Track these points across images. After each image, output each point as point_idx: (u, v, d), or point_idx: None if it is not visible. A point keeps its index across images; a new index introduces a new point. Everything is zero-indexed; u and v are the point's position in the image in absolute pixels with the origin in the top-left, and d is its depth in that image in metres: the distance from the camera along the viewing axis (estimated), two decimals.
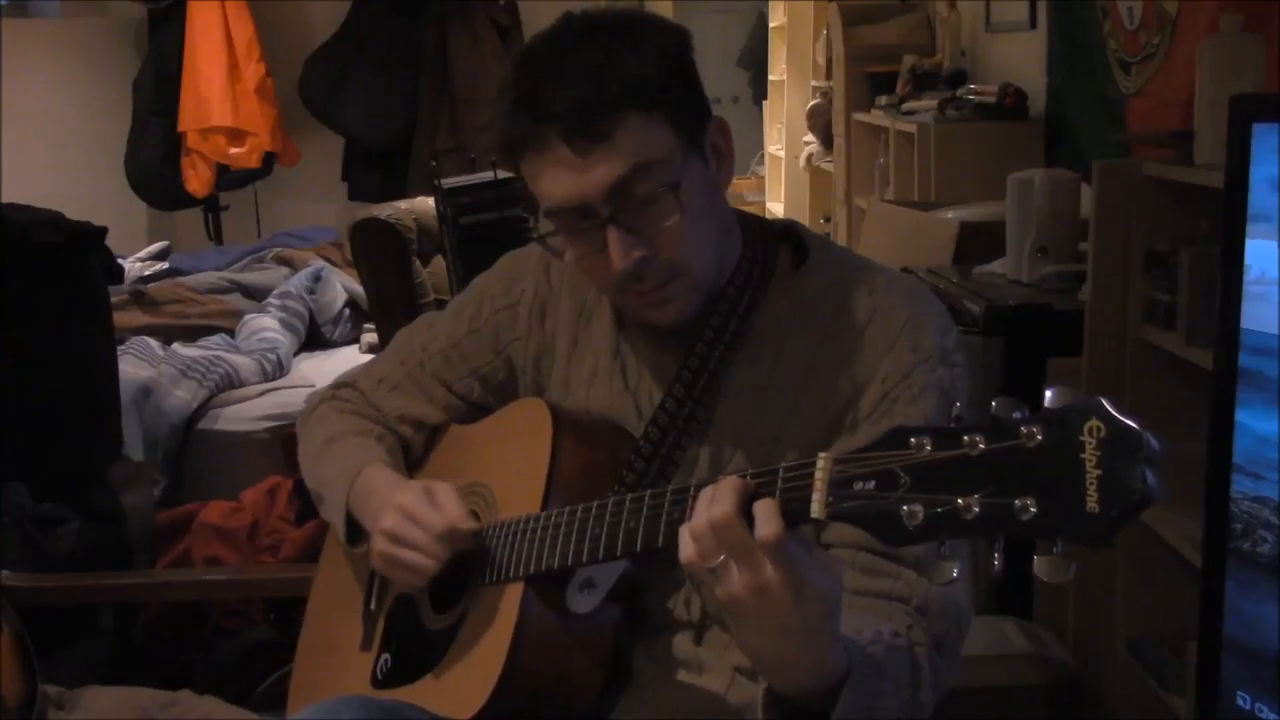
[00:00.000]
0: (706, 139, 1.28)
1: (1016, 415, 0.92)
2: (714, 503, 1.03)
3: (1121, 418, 0.88)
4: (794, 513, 1.01)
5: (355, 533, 1.45)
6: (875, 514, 0.97)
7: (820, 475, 1.00)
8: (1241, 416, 1.63)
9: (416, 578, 1.34)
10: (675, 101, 1.24)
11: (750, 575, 1.00)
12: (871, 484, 0.97)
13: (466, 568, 1.36)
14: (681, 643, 1.33)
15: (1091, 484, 0.88)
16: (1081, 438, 0.88)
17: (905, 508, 0.95)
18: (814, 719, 1.07)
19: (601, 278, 1.30)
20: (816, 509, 1.00)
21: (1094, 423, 0.88)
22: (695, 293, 1.29)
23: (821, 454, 1.01)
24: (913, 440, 0.95)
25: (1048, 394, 0.91)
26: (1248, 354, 1.62)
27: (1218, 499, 1.66)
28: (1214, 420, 1.67)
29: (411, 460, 1.53)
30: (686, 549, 1.05)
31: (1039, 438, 0.90)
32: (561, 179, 1.23)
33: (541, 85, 1.22)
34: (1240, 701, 1.65)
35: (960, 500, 0.92)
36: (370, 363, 1.60)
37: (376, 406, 1.53)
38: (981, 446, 0.92)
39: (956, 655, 1.23)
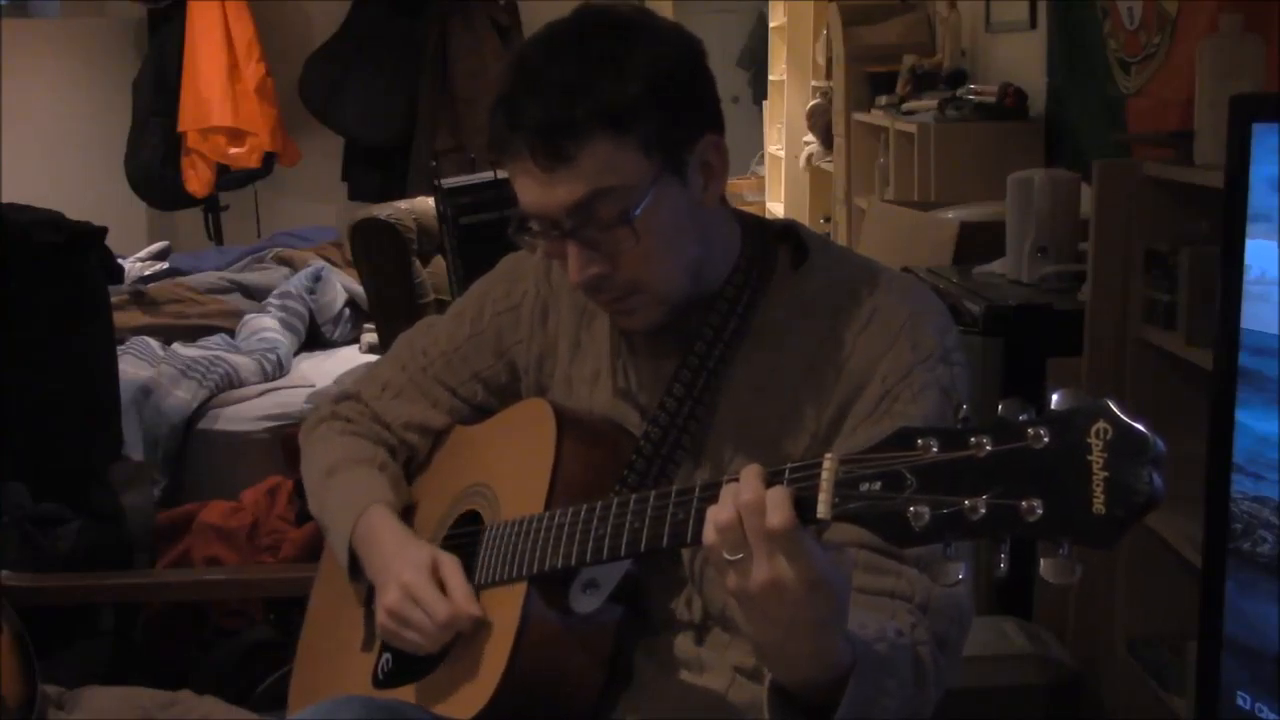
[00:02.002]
0: (693, 157, 1.26)
1: (1023, 417, 0.92)
2: (741, 490, 1.03)
3: (1128, 419, 0.88)
4: (800, 512, 1.01)
5: (358, 566, 1.45)
6: (881, 515, 0.97)
7: (826, 475, 1.00)
8: (1241, 416, 1.63)
9: (418, 651, 1.34)
10: (654, 123, 1.21)
11: (768, 569, 1.00)
12: (878, 485, 0.97)
13: (468, 568, 1.36)
14: (682, 643, 1.33)
15: (1098, 486, 0.88)
16: (1088, 439, 0.88)
17: (911, 509, 0.94)
18: (818, 714, 1.07)
19: (570, 278, 1.30)
20: (823, 509, 1.00)
21: (1101, 424, 0.88)
22: (659, 306, 1.30)
23: (827, 454, 1.01)
24: (919, 441, 0.95)
25: (1054, 396, 0.91)
26: (1248, 354, 1.62)
27: (1218, 499, 1.66)
28: (1214, 420, 1.67)
29: (416, 463, 1.53)
30: (710, 536, 1.04)
31: (1045, 439, 0.90)
32: (528, 188, 1.24)
33: (520, 93, 1.22)
34: (1240, 701, 1.65)
35: (966, 501, 0.92)
36: (371, 369, 1.59)
37: (380, 416, 1.53)
38: (988, 448, 0.92)
39: (958, 654, 1.23)
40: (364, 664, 1.45)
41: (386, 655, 1.43)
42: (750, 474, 1.03)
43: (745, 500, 1.02)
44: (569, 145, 1.20)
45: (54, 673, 2.19)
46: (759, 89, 7.73)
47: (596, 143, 1.20)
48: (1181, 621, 2.12)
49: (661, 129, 1.22)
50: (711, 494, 1.08)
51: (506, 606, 1.30)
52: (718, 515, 1.03)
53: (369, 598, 1.50)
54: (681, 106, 1.24)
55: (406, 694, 1.36)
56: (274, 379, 3.81)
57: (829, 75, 5.38)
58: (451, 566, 1.34)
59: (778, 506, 1.00)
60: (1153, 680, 2.18)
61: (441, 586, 1.32)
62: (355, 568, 1.45)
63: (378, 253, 3.85)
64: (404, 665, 1.39)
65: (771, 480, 1.03)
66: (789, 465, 1.04)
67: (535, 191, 1.24)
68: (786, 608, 1.01)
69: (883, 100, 4.51)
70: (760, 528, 1.01)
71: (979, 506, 0.92)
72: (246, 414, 3.57)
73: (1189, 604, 1.86)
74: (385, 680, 1.41)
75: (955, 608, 1.21)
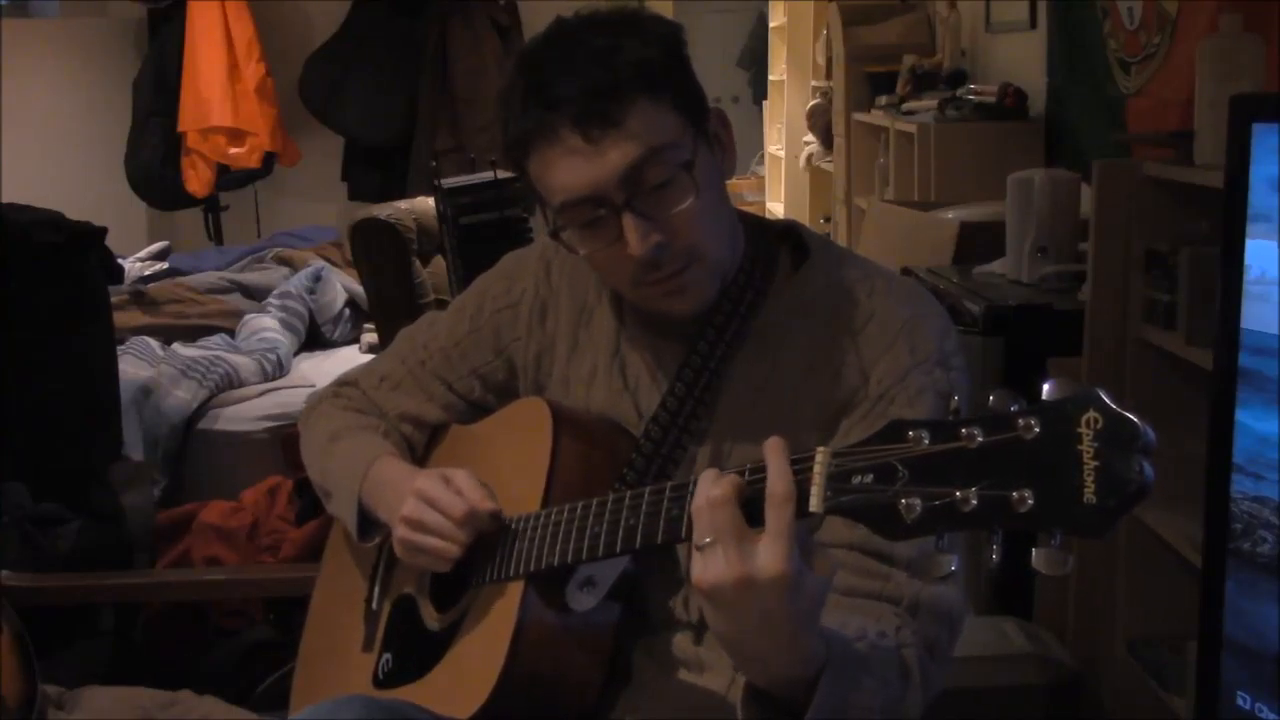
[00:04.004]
0: (709, 126, 1.29)
1: (1014, 407, 0.92)
2: (714, 484, 1.03)
3: (1118, 409, 0.88)
4: None
5: (366, 527, 1.45)
6: (873, 507, 0.96)
7: (818, 469, 1.00)
8: (1241, 416, 1.63)
9: (439, 563, 1.34)
10: (680, 88, 1.25)
11: (738, 564, 1.00)
12: (869, 477, 0.97)
13: (467, 566, 1.36)
14: (681, 642, 1.33)
15: (1088, 475, 0.88)
16: (1078, 429, 0.88)
17: (903, 501, 0.94)
18: (793, 714, 1.07)
19: (616, 272, 1.30)
20: (814, 503, 1.00)
21: (1091, 414, 0.88)
22: (711, 279, 1.30)
23: (819, 448, 1.01)
24: (910, 434, 0.95)
25: (1045, 386, 0.91)
26: (1248, 354, 1.62)
27: (1218, 499, 1.66)
28: (1214, 420, 1.67)
29: (411, 458, 1.53)
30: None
31: (1036, 430, 0.90)
32: (575, 167, 1.23)
33: (549, 76, 1.23)
34: (1240, 701, 1.65)
35: (958, 493, 0.92)
36: (372, 362, 1.60)
37: (378, 405, 1.53)
38: (979, 439, 0.92)
39: (949, 657, 1.23)
40: (365, 664, 1.45)
41: (387, 655, 1.44)
42: (728, 475, 1.04)
43: (712, 495, 1.02)
44: (614, 109, 1.21)
45: (54, 673, 2.19)
46: (759, 89, 7.73)
47: (639, 104, 1.21)
48: (1181, 621, 2.12)
49: (686, 93, 1.26)
50: None
51: (504, 605, 1.30)
52: (694, 502, 1.04)
53: (370, 596, 1.50)
54: (692, 76, 1.28)
55: (407, 694, 1.36)
56: (274, 379, 3.81)
57: (829, 75, 5.38)
58: (463, 475, 1.35)
59: (778, 509, 1.00)
60: (1153, 680, 2.18)
61: (455, 492, 1.33)
62: (364, 528, 1.45)
63: (378, 253, 3.85)
64: (404, 665, 1.40)
65: (763, 476, 1.02)
66: None
67: (583, 168, 1.23)
68: (756, 606, 1.00)
69: (883, 100, 4.51)
70: (730, 522, 1.01)
71: (970, 498, 0.91)
72: (246, 414, 3.57)
73: (1189, 604, 1.86)
74: (385, 680, 1.41)
75: (946, 610, 1.21)
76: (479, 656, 1.30)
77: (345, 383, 1.58)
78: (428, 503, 1.33)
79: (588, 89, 1.21)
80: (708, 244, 1.28)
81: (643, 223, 1.23)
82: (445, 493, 1.33)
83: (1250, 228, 1.62)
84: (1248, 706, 1.64)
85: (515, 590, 1.30)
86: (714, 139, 1.30)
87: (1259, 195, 1.61)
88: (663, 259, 1.25)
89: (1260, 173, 1.61)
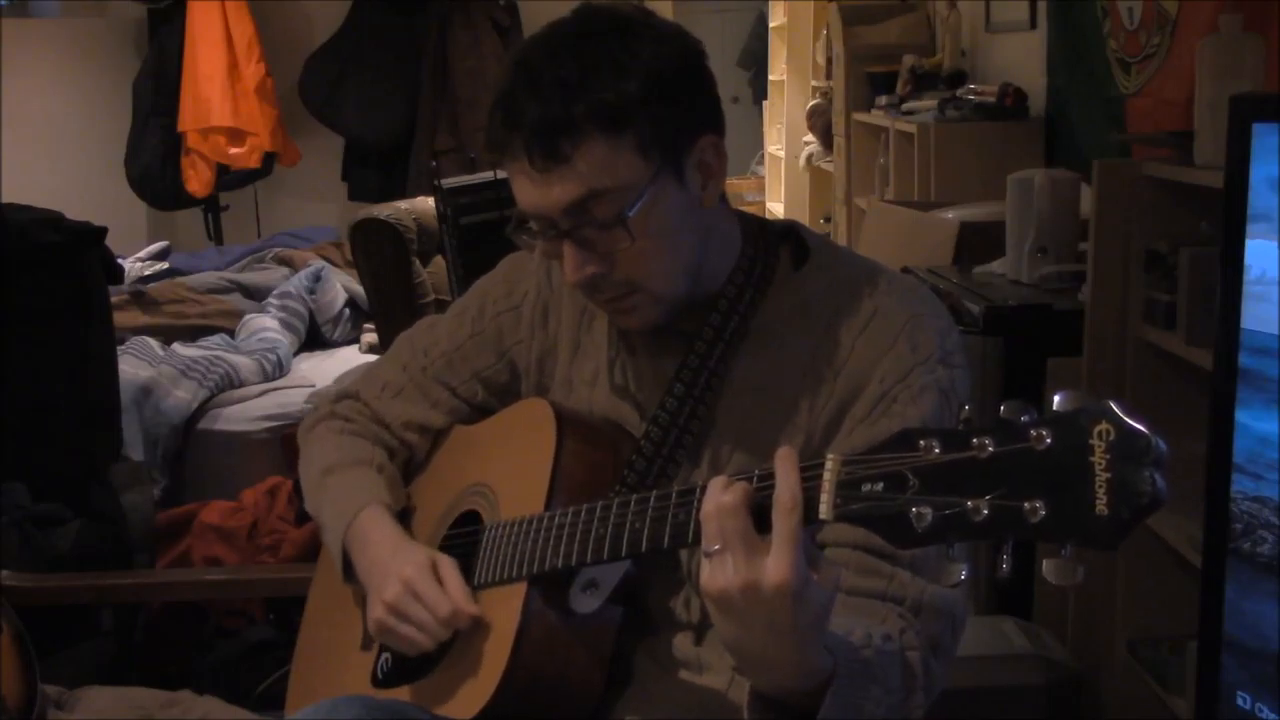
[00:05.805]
0: (690, 157, 1.26)
1: (1025, 418, 0.92)
2: (724, 490, 1.03)
3: (1130, 421, 0.88)
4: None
5: (349, 568, 1.45)
6: (884, 516, 0.96)
7: (829, 476, 1.00)
8: (1241, 416, 1.63)
9: (409, 650, 1.34)
10: (651, 124, 1.21)
11: (746, 571, 1.00)
12: (880, 486, 0.97)
13: (467, 568, 1.36)
14: (682, 642, 1.33)
15: (1101, 487, 0.88)
16: (1091, 441, 0.88)
17: (914, 509, 0.94)
18: (799, 718, 1.07)
19: (566, 278, 1.30)
20: (824, 510, 1.00)
21: (1103, 426, 0.88)
22: (657, 306, 1.30)
23: (829, 455, 1.01)
24: (921, 442, 0.95)
25: (1056, 397, 0.91)
26: (1248, 354, 1.62)
27: (1218, 499, 1.66)
28: (1214, 420, 1.67)
29: (415, 463, 1.53)
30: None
31: (1048, 440, 0.90)
32: (524, 188, 1.24)
33: (518, 93, 1.22)
34: (1240, 701, 1.65)
35: (969, 503, 0.92)
36: (371, 369, 1.59)
37: (380, 415, 1.53)
38: (990, 449, 0.92)
39: (951, 656, 1.23)
40: (363, 663, 1.45)
41: (386, 655, 1.43)
42: (738, 482, 1.04)
43: (722, 502, 1.02)
44: (564, 145, 1.20)
45: (54, 673, 2.19)
46: (759, 89, 7.74)
47: (592, 143, 1.20)
48: (1181, 621, 2.12)
49: (658, 129, 1.22)
50: None
51: (506, 607, 1.30)
52: (703, 508, 1.04)
53: (368, 595, 1.50)
54: (679, 106, 1.24)
55: (406, 694, 1.36)
56: (274, 379, 3.81)
57: (829, 75, 5.38)
58: (450, 566, 1.34)
59: (783, 517, 1.00)
60: (1153, 680, 2.18)
61: (440, 585, 1.32)
62: (349, 568, 1.45)
63: (378, 253, 3.85)
64: (403, 665, 1.39)
65: (773, 484, 1.02)
66: None
67: (531, 191, 1.24)
68: (763, 614, 1.00)
69: (883, 100, 4.51)
70: (739, 529, 1.01)
71: (982, 507, 0.92)
72: (246, 414, 3.58)
73: (1189, 604, 1.86)
74: (384, 680, 1.41)
75: (949, 609, 1.21)
76: (481, 657, 1.30)
77: (345, 395, 1.57)
78: (413, 595, 1.32)
79: (541, 120, 1.19)
80: (650, 279, 1.27)
81: (579, 253, 1.24)
82: (432, 589, 1.31)
83: (1250, 228, 1.62)
84: (1248, 706, 1.64)
85: (518, 592, 1.29)
86: (699, 166, 1.27)
87: (1259, 195, 1.61)
88: (601, 285, 1.27)
89: (1260, 173, 1.61)
